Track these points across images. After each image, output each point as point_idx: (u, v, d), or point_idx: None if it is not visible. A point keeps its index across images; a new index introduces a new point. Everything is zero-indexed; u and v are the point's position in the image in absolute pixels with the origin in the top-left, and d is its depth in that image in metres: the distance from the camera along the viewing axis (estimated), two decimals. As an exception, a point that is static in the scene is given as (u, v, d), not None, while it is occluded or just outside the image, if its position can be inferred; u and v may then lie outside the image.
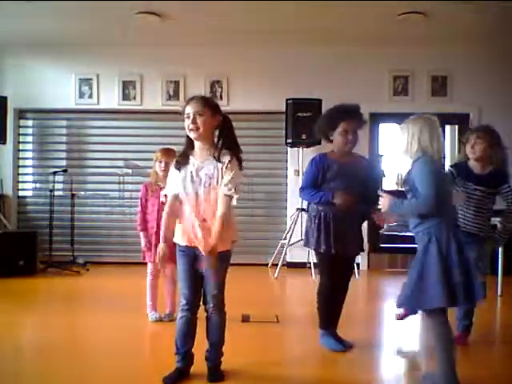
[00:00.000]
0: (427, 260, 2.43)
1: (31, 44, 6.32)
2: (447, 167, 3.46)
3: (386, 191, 2.68)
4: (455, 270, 2.38)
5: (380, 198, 2.62)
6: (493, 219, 3.33)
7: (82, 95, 6.57)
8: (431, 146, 2.50)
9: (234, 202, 2.56)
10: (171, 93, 6.50)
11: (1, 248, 5.58)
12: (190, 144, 2.65)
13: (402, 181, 2.78)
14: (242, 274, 5.54)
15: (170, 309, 3.81)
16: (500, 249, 4.77)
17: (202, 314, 2.67)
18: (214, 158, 2.56)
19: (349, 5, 5.03)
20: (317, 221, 3.11)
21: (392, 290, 5.52)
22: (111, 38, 6.11)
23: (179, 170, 2.63)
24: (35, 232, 5.95)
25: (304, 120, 5.75)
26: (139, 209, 3.85)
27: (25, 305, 4.43)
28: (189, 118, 2.56)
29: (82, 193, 6.69)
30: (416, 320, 3.70)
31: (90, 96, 6.57)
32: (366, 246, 6.58)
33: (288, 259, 6.22)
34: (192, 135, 2.58)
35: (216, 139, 2.64)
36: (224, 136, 2.63)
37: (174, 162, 2.68)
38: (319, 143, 5.33)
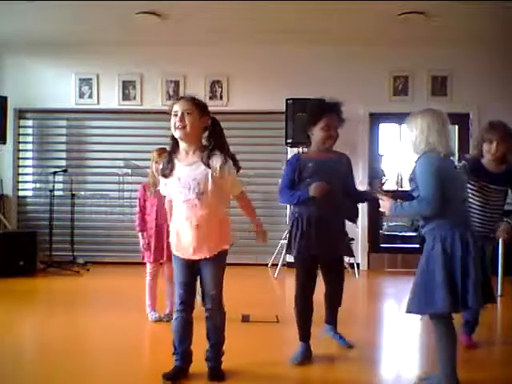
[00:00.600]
0: (431, 261, 2.35)
1: (31, 44, 6.32)
2: (459, 162, 3.30)
3: (385, 192, 2.63)
4: (459, 273, 2.29)
5: (380, 202, 2.56)
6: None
7: (81, 95, 6.57)
8: (440, 141, 2.41)
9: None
10: (171, 93, 6.50)
11: (1, 248, 5.58)
12: (175, 146, 2.59)
13: (401, 181, 2.73)
14: (242, 273, 5.56)
15: (169, 309, 3.80)
16: (500, 249, 4.77)
17: (202, 313, 2.67)
18: (203, 162, 2.49)
19: (349, 5, 5.03)
20: (293, 224, 3.01)
21: (392, 290, 5.54)
22: (111, 38, 6.11)
23: (165, 176, 2.59)
24: (35, 232, 5.95)
25: (304, 120, 5.74)
26: (138, 209, 3.86)
27: (25, 305, 4.43)
28: (176, 115, 2.49)
29: (82, 193, 6.69)
30: (416, 320, 3.70)
31: (90, 96, 6.57)
32: (365, 246, 6.48)
33: (288, 259, 6.19)
34: (178, 134, 2.50)
35: (204, 142, 2.57)
36: (213, 139, 2.56)
37: (160, 170, 2.63)
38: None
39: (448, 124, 2.47)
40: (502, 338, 3.72)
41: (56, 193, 6.22)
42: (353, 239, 5.15)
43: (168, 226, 2.79)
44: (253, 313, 4.01)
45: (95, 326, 3.76)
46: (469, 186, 3.11)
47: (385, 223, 7.32)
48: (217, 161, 2.49)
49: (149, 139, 6.39)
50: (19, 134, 6.73)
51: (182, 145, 2.55)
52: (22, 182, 6.77)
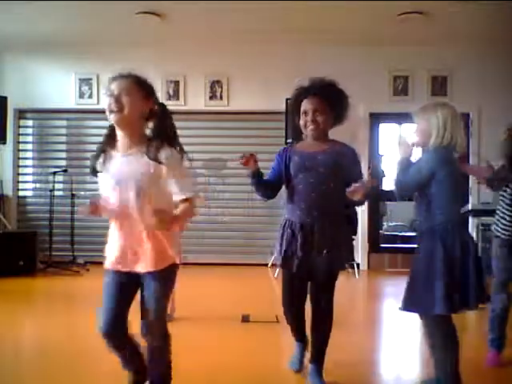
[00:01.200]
0: (431, 262, 2.30)
1: (31, 44, 6.32)
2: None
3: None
4: (459, 274, 2.26)
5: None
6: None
7: (82, 95, 6.57)
8: (456, 136, 2.32)
9: (199, 208, 2.06)
10: (171, 93, 6.50)
11: (1, 248, 5.58)
12: (110, 136, 2.13)
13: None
14: (242, 274, 5.57)
15: (169, 308, 3.80)
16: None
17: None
18: (146, 154, 1.99)
19: (349, 5, 5.03)
20: (281, 230, 2.59)
21: (392, 290, 5.53)
22: (111, 37, 6.11)
23: (96, 175, 2.12)
24: (35, 232, 5.96)
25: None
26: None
27: (25, 305, 4.43)
28: (112, 96, 2.05)
29: (82, 193, 6.68)
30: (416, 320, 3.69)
31: (90, 96, 6.57)
32: (365, 246, 6.43)
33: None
34: (112, 117, 2.05)
35: (149, 132, 2.10)
36: (159, 128, 2.08)
37: (90, 167, 2.13)
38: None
39: (461, 119, 2.40)
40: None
41: (56, 193, 6.22)
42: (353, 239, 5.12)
43: None
44: (253, 313, 4.00)
45: (95, 326, 3.74)
46: (507, 189, 2.92)
47: (385, 223, 7.33)
48: (163, 153, 1.99)
49: (149, 139, 6.40)
50: (19, 134, 6.74)
51: (119, 134, 2.09)
52: (22, 182, 6.77)
